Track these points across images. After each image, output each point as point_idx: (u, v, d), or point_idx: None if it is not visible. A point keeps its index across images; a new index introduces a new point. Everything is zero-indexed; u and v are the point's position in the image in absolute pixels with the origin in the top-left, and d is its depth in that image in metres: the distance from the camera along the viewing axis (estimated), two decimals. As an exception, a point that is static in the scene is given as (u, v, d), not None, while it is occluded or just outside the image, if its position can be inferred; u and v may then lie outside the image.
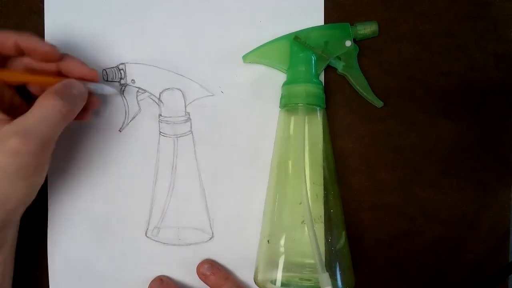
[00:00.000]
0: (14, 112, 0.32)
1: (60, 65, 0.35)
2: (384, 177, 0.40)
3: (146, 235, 0.39)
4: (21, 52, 0.33)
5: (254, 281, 0.36)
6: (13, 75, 0.34)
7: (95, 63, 0.39)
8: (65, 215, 0.39)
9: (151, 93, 0.39)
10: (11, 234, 0.34)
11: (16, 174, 0.30)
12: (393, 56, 0.40)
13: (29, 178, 0.31)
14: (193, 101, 0.39)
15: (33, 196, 0.33)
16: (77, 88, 0.33)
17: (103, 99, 0.39)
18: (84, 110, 0.35)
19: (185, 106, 0.39)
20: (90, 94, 0.35)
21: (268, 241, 0.36)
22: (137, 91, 0.39)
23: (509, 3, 0.40)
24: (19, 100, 0.36)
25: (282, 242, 0.35)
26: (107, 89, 0.37)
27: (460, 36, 0.40)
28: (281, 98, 0.37)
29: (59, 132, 0.32)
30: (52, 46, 0.33)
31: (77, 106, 0.33)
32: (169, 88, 0.39)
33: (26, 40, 0.33)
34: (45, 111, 0.31)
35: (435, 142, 0.40)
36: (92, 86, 0.35)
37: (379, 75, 0.40)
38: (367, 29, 0.38)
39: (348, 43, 0.38)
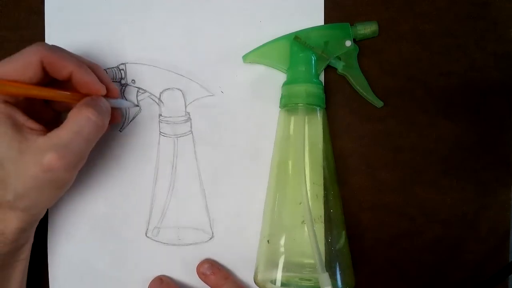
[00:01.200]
0: (45, 124, 0.32)
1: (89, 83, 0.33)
2: (384, 177, 0.40)
3: (146, 235, 0.39)
4: (69, 79, 0.32)
5: (254, 281, 0.36)
6: (28, 88, 0.31)
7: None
8: (65, 215, 0.39)
9: (151, 93, 0.39)
10: (32, 233, 0.35)
11: (48, 186, 0.31)
12: (393, 56, 0.40)
13: (59, 189, 0.32)
14: (193, 101, 0.39)
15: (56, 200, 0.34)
16: (103, 102, 0.33)
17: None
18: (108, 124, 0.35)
19: (185, 106, 0.39)
20: (113, 109, 0.35)
21: (268, 241, 0.36)
22: (137, 91, 0.39)
23: (509, 3, 0.40)
24: (50, 112, 0.36)
25: (282, 242, 0.35)
26: (126, 103, 0.38)
27: (460, 36, 0.40)
28: (281, 98, 0.37)
29: (92, 146, 0.32)
30: (103, 86, 0.33)
31: (107, 120, 0.33)
32: (169, 88, 0.39)
33: (81, 74, 0.32)
34: (80, 124, 0.31)
35: (435, 142, 0.40)
36: (113, 101, 0.35)
37: (379, 75, 0.40)
38: (367, 29, 0.38)
39: (348, 43, 0.38)
